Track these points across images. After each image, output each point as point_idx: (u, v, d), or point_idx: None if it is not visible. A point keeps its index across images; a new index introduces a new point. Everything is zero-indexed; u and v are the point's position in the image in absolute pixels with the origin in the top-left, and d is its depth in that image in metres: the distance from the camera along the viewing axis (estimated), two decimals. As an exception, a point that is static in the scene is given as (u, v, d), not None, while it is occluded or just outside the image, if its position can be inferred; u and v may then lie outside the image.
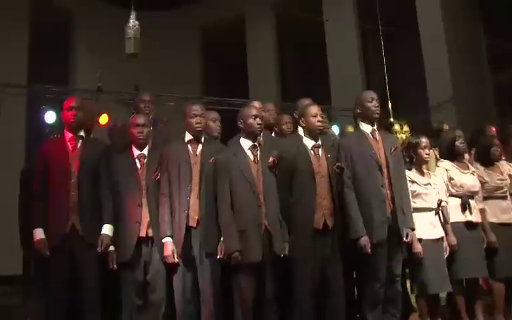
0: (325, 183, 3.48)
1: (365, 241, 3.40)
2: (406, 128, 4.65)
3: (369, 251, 3.39)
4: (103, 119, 7.23)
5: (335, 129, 5.39)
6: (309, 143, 3.56)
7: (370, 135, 3.61)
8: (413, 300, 4.09)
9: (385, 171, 3.52)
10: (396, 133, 4.50)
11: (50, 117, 6.92)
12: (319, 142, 3.57)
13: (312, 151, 3.54)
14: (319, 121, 3.54)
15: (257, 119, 3.47)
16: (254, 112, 3.49)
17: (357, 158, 3.53)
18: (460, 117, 8.62)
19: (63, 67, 11.21)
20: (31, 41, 10.24)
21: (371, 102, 3.64)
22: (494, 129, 4.91)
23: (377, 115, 3.64)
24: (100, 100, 8.67)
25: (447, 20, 9.20)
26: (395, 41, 10.74)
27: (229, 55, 11.97)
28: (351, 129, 4.21)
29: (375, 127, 3.64)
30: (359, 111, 3.68)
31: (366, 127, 3.64)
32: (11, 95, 9.11)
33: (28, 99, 9.48)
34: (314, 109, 3.57)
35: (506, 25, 8.67)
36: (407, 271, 3.91)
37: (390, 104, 5.69)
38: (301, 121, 3.64)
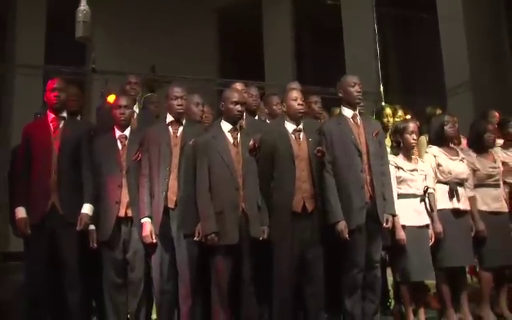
0: (305, 167, 3.47)
1: (342, 226, 3.38)
2: (400, 112, 4.55)
3: (346, 236, 3.37)
4: (111, 99, 7.32)
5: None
6: (290, 126, 3.55)
7: (351, 119, 3.56)
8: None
9: (364, 156, 3.48)
10: (388, 117, 4.40)
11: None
12: (301, 126, 3.55)
13: (293, 135, 3.53)
14: (299, 105, 3.52)
15: (237, 106, 3.48)
16: (235, 98, 3.50)
17: (337, 143, 3.50)
18: (477, 102, 8.41)
19: (80, 48, 11.36)
20: (49, 22, 10.41)
21: (353, 86, 3.59)
22: (497, 115, 4.79)
23: (358, 100, 3.60)
24: (114, 81, 8.80)
25: (465, 1, 8.91)
26: (411, 24, 10.53)
27: (244, 37, 11.90)
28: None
29: (357, 112, 3.60)
30: (341, 94, 3.63)
31: (347, 112, 3.59)
32: (27, 75, 9.36)
33: (44, 80, 9.67)
34: (294, 93, 3.56)
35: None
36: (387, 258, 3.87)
37: (382, 88, 5.54)
38: (282, 106, 3.63)
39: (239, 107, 3.48)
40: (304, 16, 11.58)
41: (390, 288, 4.33)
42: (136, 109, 4.06)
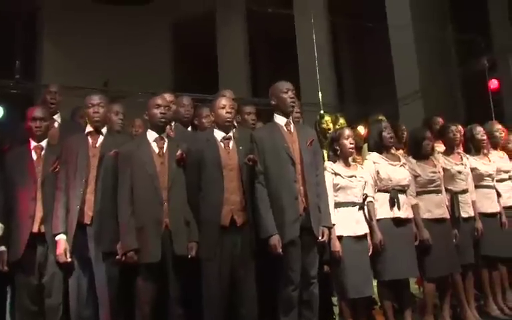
0: (234, 177, 3.25)
1: (274, 240, 3.15)
2: (342, 120, 4.42)
3: (280, 251, 3.16)
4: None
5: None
6: (219, 135, 3.34)
7: (284, 127, 3.37)
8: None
9: (298, 165, 3.28)
10: (327, 123, 4.27)
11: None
12: (230, 134, 3.35)
13: (222, 144, 3.32)
14: (227, 113, 3.32)
15: (160, 108, 3.27)
16: (158, 101, 3.29)
17: (269, 151, 3.29)
18: (427, 111, 8.45)
19: (30, 61, 10.99)
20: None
21: (286, 93, 3.40)
22: (441, 121, 4.72)
23: (291, 107, 3.41)
24: (64, 95, 8.46)
25: (414, 11, 9.00)
26: (364, 34, 10.59)
27: (199, 50, 11.76)
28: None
29: (290, 119, 3.41)
30: (273, 102, 3.44)
31: (280, 119, 3.40)
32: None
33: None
34: (222, 101, 3.36)
35: (472, 16, 8.52)
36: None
37: (320, 95, 5.43)
38: (211, 115, 3.44)
39: (162, 110, 3.25)
40: (257, 28, 11.51)
41: (335, 303, 4.14)
42: (58, 118, 3.78)
